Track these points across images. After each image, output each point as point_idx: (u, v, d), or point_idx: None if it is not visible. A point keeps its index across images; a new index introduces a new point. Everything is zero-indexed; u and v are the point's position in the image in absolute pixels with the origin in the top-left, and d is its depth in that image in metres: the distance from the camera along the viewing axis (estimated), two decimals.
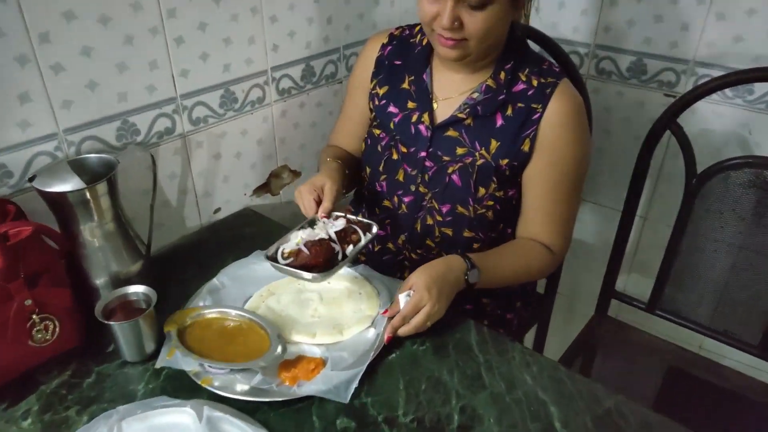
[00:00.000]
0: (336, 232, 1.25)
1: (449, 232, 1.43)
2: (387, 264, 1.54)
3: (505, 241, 1.46)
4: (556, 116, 1.27)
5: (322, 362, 1.20)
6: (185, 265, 1.49)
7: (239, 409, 1.11)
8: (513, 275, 1.38)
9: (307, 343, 1.25)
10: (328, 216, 1.25)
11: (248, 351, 1.20)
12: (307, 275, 1.17)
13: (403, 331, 1.22)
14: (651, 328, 1.86)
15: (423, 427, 1.10)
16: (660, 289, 1.72)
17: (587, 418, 1.11)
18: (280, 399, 1.12)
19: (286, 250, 1.22)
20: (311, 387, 1.14)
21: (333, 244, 1.23)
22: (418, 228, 1.46)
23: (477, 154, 1.33)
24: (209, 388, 1.14)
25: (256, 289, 1.38)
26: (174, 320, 1.24)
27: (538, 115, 1.28)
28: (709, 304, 1.66)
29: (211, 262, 1.46)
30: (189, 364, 1.16)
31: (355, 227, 1.29)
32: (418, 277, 1.23)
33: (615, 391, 1.17)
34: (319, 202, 1.25)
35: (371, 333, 1.27)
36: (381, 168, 1.44)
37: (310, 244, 1.21)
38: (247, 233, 1.64)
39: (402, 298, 1.23)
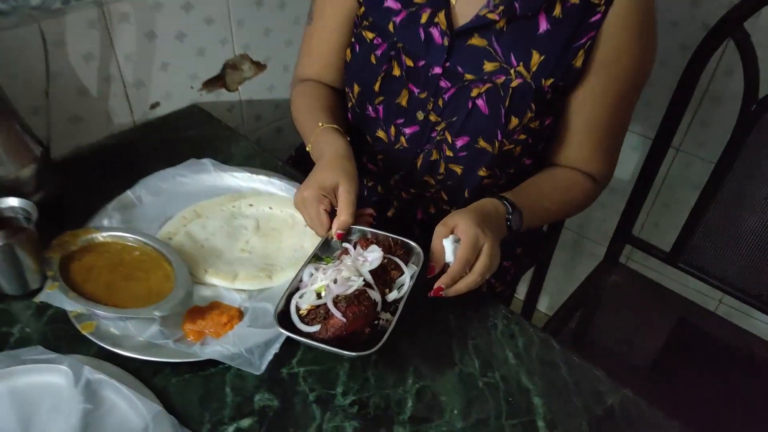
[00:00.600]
0: (372, 271, 0.88)
1: (458, 169, 1.09)
2: (372, 207, 1.22)
3: (525, 174, 1.13)
4: (622, 17, 0.94)
5: (239, 314, 0.91)
6: (105, 173, 1.18)
7: (135, 371, 0.84)
8: (554, 214, 1.13)
9: (225, 286, 0.96)
10: (346, 234, 0.94)
11: (147, 292, 0.91)
12: (350, 354, 0.81)
13: (458, 288, 0.89)
14: (668, 282, 1.56)
15: (364, 415, 0.82)
16: (687, 237, 1.41)
17: (582, 420, 0.83)
18: (176, 360, 0.84)
19: (303, 306, 0.85)
20: (216, 348, 0.85)
21: (370, 292, 0.86)
22: (419, 164, 1.12)
23: (512, 71, 0.98)
24: (90, 338, 0.86)
25: (181, 209, 1.08)
26: (60, 244, 0.94)
27: (599, 15, 0.94)
28: (744, 263, 1.35)
29: (138, 171, 1.14)
30: (70, 302, 0.88)
31: (393, 258, 0.93)
32: (462, 218, 0.90)
33: (619, 384, 0.88)
34: (332, 213, 0.93)
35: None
36: (376, 87, 1.07)
37: (343, 302, 0.82)
38: (190, 136, 1.32)
39: (448, 244, 0.90)
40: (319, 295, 0.86)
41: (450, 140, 1.06)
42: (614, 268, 1.58)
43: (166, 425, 0.78)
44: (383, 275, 0.91)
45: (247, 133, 1.57)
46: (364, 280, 0.88)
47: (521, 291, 1.80)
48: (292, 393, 0.84)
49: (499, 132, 1.02)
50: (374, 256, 0.91)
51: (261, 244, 1.04)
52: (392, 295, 0.90)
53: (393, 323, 0.85)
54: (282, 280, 0.97)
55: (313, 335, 0.83)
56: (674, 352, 1.43)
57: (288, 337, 0.86)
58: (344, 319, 0.82)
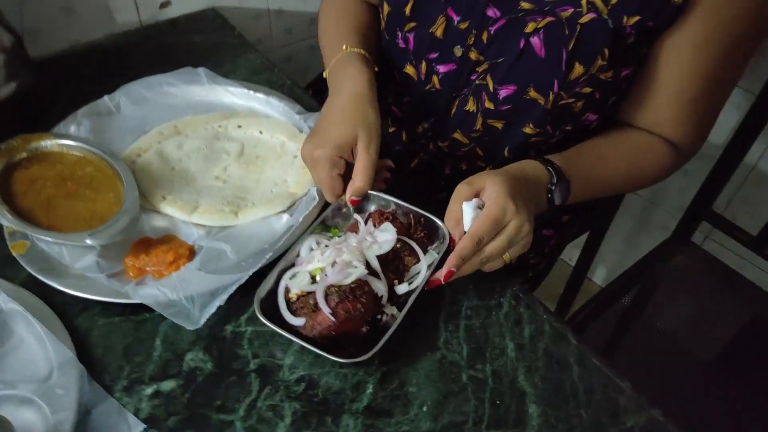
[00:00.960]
0: (380, 255, 0.72)
1: (498, 125, 0.87)
2: (393, 158, 1.02)
3: (586, 133, 0.89)
4: None
5: (189, 253, 0.76)
6: (94, 76, 1.05)
7: (60, 305, 0.71)
8: (616, 186, 0.91)
9: (182, 219, 0.80)
10: (361, 201, 0.77)
11: (90, 215, 0.78)
12: (334, 359, 0.66)
13: (470, 267, 0.71)
14: (748, 271, 1.30)
15: (311, 397, 0.66)
16: None
17: None
18: (104, 299, 0.71)
19: (294, 289, 0.70)
20: (151, 291, 0.71)
21: (374, 283, 0.70)
22: (452, 113, 0.89)
23: (583, 2, 0.76)
24: (19, 260, 0.74)
25: (162, 122, 0.93)
26: (9, 149, 0.82)
27: None
28: None
29: (131, 78, 1.00)
30: (3, 216, 0.75)
31: (409, 242, 0.75)
32: (493, 181, 0.72)
33: (648, 400, 0.68)
34: (346, 176, 0.77)
35: (281, 223, 0.81)
36: (407, 9, 0.85)
37: (335, 296, 0.67)
38: (198, 43, 1.15)
39: (469, 209, 0.71)
40: (314, 279, 0.70)
41: (491, 88, 0.83)
42: (683, 246, 1.32)
43: (73, 376, 0.65)
44: (395, 261, 0.73)
45: (274, 48, 1.39)
46: (369, 267, 0.70)
47: (574, 255, 1.57)
48: (231, 356, 0.69)
49: (556, 82, 0.79)
50: (385, 238, 0.73)
51: (240, 172, 0.87)
52: (402, 288, 0.72)
53: (396, 323, 0.68)
54: (249, 218, 0.81)
55: (298, 329, 0.67)
56: (741, 357, 1.19)
57: (240, 289, 0.70)
58: (333, 319, 0.65)
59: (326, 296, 0.67)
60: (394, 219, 0.75)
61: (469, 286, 0.76)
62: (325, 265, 0.70)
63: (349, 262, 0.70)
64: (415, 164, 0.99)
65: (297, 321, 0.68)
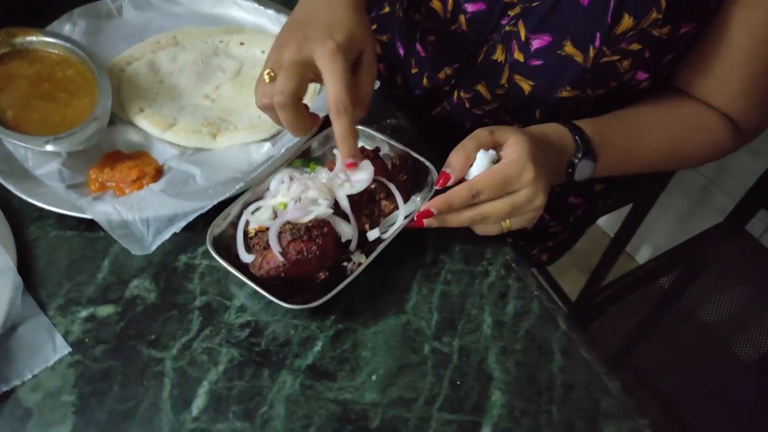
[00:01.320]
0: (352, 196, 0.64)
1: (526, 85, 0.75)
2: (414, 101, 0.91)
3: (635, 96, 0.76)
4: None
5: (156, 173, 0.70)
6: None
7: (15, 211, 0.68)
8: (658, 163, 0.79)
9: (156, 135, 0.74)
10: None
11: (61, 119, 0.72)
12: (280, 303, 0.58)
13: (457, 219, 0.62)
14: None
15: (252, 345, 0.60)
16: None
17: None
18: (56, 210, 0.66)
19: (253, 224, 0.63)
20: (104, 208, 0.65)
21: (340, 224, 0.63)
22: (479, 61, 0.77)
23: None
24: None
25: (161, 31, 0.85)
26: None
27: None
28: None
29: None
30: None
31: (388, 185, 0.66)
32: (518, 138, 0.63)
33: (638, 408, 0.58)
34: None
35: (261, 152, 0.73)
36: None
37: (288, 234, 0.59)
38: None
39: (484, 159, 0.61)
40: (276, 214, 0.63)
41: (523, 36, 0.71)
42: (735, 234, 1.17)
43: (6, 288, 0.60)
44: (370, 204, 0.65)
45: None
46: (336, 207, 0.63)
47: (615, 226, 1.44)
48: (177, 289, 0.63)
49: (598, 35, 0.66)
50: (360, 177, 0.64)
51: (231, 94, 0.80)
52: (372, 234, 0.64)
53: (356, 272, 0.61)
54: (227, 143, 0.73)
55: (248, 266, 0.61)
56: None
57: (205, 219, 0.64)
58: (282, 259, 0.58)
59: (280, 234, 0.59)
60: (375, 157, 0.66)
61: (455, 247, 0.67)
62: (289, 200, 0.62)
63: (314, 199, 0.62)
64: (436, 113, 0.89)
65: (247, 257, 0.61)
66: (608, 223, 1.74)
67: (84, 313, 0.61)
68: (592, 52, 0.68)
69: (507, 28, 0.73)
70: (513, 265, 0.66)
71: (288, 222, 0.60)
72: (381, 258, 0.62)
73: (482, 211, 0.61)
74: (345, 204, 0.63)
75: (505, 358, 0.60)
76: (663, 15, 0.63)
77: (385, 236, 0.64)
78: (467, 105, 0.82)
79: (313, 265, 0.60)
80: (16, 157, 0.70)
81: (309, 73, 0.60)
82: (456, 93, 0.83)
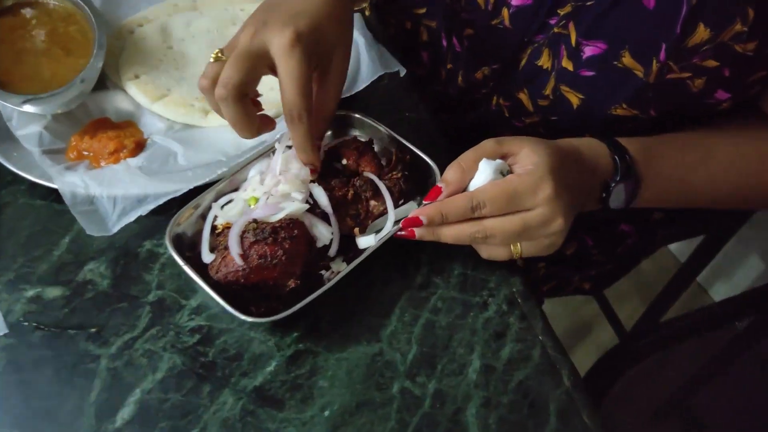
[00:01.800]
0: (335, 193, 0.56)
1: (576, 98, 0.63)
2: (451, 100, 0.80)
3: (700, 119, 0.63)
4: None
5: (136, 147, 0.64)
6: None
7: None
8: (719, 200, 0.66)
9: (145, 104, 0.67)
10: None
11: (50, 77, 0.67)
12: (236, 314, 0.50)
13: (453, 234, 0.52)
14: None
15: (197, 354, 0.52)
16: None
17: None
18: (20, 173, 0.60)
19: (221, 219, 0.56)
20: (71, 179, 0.59)
21: (317, 226, 0.54)
22: (522, 65, 0.66)
23: None
24: None
25: None
26: None
27: None
28: None
29: None
30: None
31: (376, 181, 0.57)
32: (534, 149, 0.53)
33: None
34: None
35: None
36: None
37: (251, 235, 0.51)
38: None
39: (488, 168, 0.52)
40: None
41: (573, 40, 0.60)
42: None
43: None
44: (356, 204, 0.57)
45: None
46: (312, 203, 0.55)
47: (685, 252, 1.28)
48: (133, 279, 0.56)
49: (664, 47, 0.54)
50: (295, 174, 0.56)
51: None
52: (365, 241, 0.55)
53: (326, 286, 0.52)
54: (219, 122, 0.66)
55: (208, 267, 0.53)
56: None
57: (181, 204, 0.57)
58: (241, 263, 0.50)
59: (243, 234, 0.51)
60: (364, 150, 0.57)
61: (453, 269, 0.57)
62: (261, 195, 0.54)
63: (285, 194, 0.53)
64: (472, 118, 0.78)
65: (209, 257, 0.53)
66: (680, 246, 1.56)
67: (30, 293, 0.55)
68: (655, 66, 0.56)
69: (555, 29, 0.61)
70: (519, 300, 0.55)
71: (254, 221, 0.52)
72: (363, 270, 0.53)
73: (485, 227, 0.51)
74: (324, 201, 0.54)
75: (487, 412, 0.50)
76: (749, 27, 0.51)
77: (368, 243, 0.54)
78: (506, 114, 0.71)
79: (278, 272, 0.51)
80: (3, 113, 0.66)
81: (261, 66, 0.51)
82: (495, 99, 0.72)
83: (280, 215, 0.52)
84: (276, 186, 0.54)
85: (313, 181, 0.56)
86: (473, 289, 0.56)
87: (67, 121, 0.65)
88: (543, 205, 0.51)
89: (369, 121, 0.61)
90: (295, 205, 0.53)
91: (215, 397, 0.50)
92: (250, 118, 0.52)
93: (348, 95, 0.64)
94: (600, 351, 1.58)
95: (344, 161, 0.57)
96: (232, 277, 0.51)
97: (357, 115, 0.61)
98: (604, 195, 0.56)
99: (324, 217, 0.55)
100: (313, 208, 0.55)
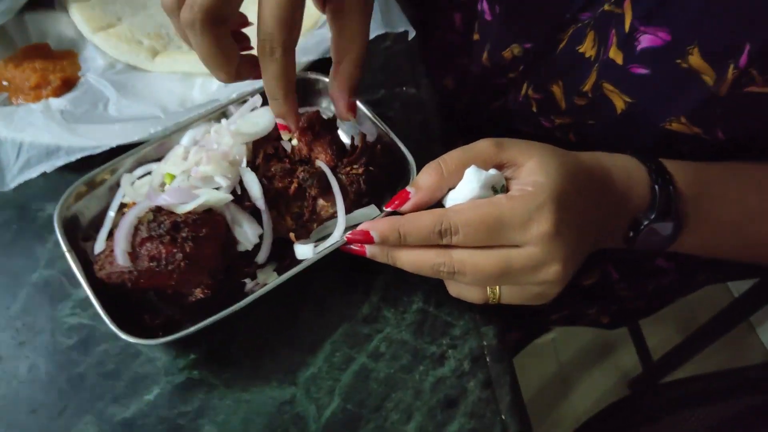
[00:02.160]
0: (273, 184, 0.43)
1: (621, 101, 0.48)
2: (475, 80, 0.65)
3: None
4: None
5: (63, 84, 0.52)
6: None
7: None
8: None
9: (87, 35, 0.55)
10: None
11: None
12: (112, 326, 0.38)
13: (411, 261, 0.39)
14: None
15: (68, 363, 0.42)
16: None
17: None
18: None
19: (129, 195, 0.44)
20: None
21: (245, 225, 0.42)
22: (559, 49, 0.51)
23: None
24: None
25: None
26: None
27: None
28: None
29: None
30: None
31: (327, 174, 0.44)
32: (542, 163, 0.38)
33: None
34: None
35: (209, 92, 0.53)
36: None
37: (144, 229, 0.38)
38: None
39: (474, 179, 0.39)
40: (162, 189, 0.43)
41: (628, 24, 0.44)
42: None
43: None
44: (299, 200, 0.44)
45: None
46: (240, 194, 0.42)
47: (738, 285, 1.11)
48: (22, 250, 0.46)
49: (747, 48, 0.40)
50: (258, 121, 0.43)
51: None
52: (303, 250, 0.42)
53: (242, 302, 0.39)
54: (166, 68, 0.54)
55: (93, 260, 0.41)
56: None
57: (102, 162, 0.45)
58: (127, 263, 0.38)
59: (138, 226, 0.39)
60: (322, 131, 0.44)
61: (411, 303, 0.44)
62: (179, 172, 0.42)
63: (206, 177, 0.41)
64: (494, 107, 0.63)
65: (99, 246, 0.42)
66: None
67: None
68: (731, 73, 0.40)
69: (606, 6, 0.46)
70: (487, 358, 0.42)
71: (157, 208, 0.40)
72: (297, 286, 0.41)
73: (453, 260, 0.38)
74: (256, 193, 0.42)
75: None
76: None
77: (314, 251, 0.42)
78: (534, 109, 0.56)
79: (176, 279, 0.39)
80: None
81: None
82: (524, 88, 0.57)
83: (191, 205, 0.40)
84: (198, 165, 0.41)
85: (258, 167, 0.43)
86: (431, 334, 0.43)
87: None
88: (534, 243, 0.37)
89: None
90: (212, 194, 0.40)
91: (72, 424, 0.39)
92: (226, 52, 0.38)
93: (329, 56, 0.51)
94: (619, 375, 1.44)
95: (293, 141, 0.44)
96: (116, 279, 0.39)
97: (315, 76, 0.48)
98: (631, 234, 0.42)
99: (255, 213, 0.42)
100: (241, 199, 0.42)
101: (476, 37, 0.62)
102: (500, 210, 0.37)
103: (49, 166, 0.47)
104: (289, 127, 0.42)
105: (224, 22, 0.37)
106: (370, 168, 0.44)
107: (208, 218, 0.40)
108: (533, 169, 0.39)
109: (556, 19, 0.50)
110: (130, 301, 0.41)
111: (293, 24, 0.37)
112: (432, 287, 0.44)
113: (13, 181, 0.47)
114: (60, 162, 0.47)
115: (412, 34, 0.56)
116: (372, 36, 0.52)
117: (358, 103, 0.46)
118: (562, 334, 1.48)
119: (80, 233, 0.44)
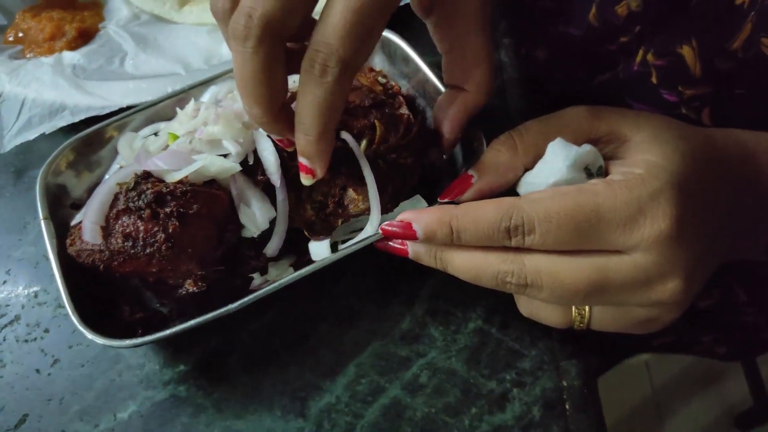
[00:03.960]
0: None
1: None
2: (575, 46, 0.52)
3: None
4: None
5: (79, 36, 0.45)
6: None
7: None
8: None
9: None
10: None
11: None
12: (79, 325, 0.29)
13: (468, 267, 0.28)
14: None
15: (31, 362, 0.33)
16: None
17: None
18: None
19: (120, 159, 0.35)
20: None
21: (254, 205, 0.32)
22: (692, 19, 0.38)
23: None
24: None
25: None
26: None
27: None
28: None
29: None
30: None
31: (356, 154, 0.32)
32: (659, 137, 0.27)
33: None
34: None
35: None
36: None
37: (122, 201, 0.29)
38: None
39: (560, 155, 0.28)
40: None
41: None
42: None
43: None
44: (327, 187, 0.33)
45: None
46: (257, 166, 0.32)
47: None
48: (7, 220, 0.38)
49: None
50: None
51: None
52: (318, 248, 0.32)
53: (243, 301, 0.30)
54: (193, 19, 0.45)
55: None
56: None
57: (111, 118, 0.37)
58: (97, 239, 0.30)
59: (117, 196, 0.30)
60: (382, 102, 0.33)
61: (468, 320, 0.32)
62: (184, 133, 0.33)
63: (213, 141, 0.31)
64: (601, 81, 0.50)
65: (78, 215, 0.33)
66: None
67: None
68: None
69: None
70: (567, 404, 0.30)
71: (145, 174, 0.31)
72: (318, 287, 0.31)
73: (526, 268, 0.27)
74: (272, 164, 0.32)
75: None
76: None
77: (332, 252, 0.31)
78: (654, 80, 0.43)
79: (157, 265, 0.30)
80: None
81: None
82: (641, 53, 0.44)
83: (183, 173, 0.30)
84: (205, 128, 0.32)
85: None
86: (491, 365, 0.31)
87: None
88: (645, 248, 0.25)
89: (404, 46, 0.36)
90: (214, 161, 0.31)
91: None
92: (275, 83, 0.26)
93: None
94: (725, 407, 1.24)
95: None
96: (87, 259, 0.30)
97: (390, 36, 0.37)
98: None
99: (268, 189, 0.32)
100: (253, 172, 0.32)
101: None
102: (596, 201, 0.26)
103: (49, 127, 0.39)
104: (314, 171, 0.30)
105: (283, 38, 0.26)
106: (423, 149, 0.33)
107: (204, 192, 0.30)
108: (644, 146, 0.27)
109: None
110: (111, 286, 0.32)
111: (366, 38, 0.25)
112: (497, 301, 0.32)
113: (10, 143, 0.40)
114: (62, 122, 0.39)
115: None
116: None
117: (419, 61, 0.35)
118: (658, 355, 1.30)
119: (70, 200, 0.35)
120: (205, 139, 0.32)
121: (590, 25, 0.47)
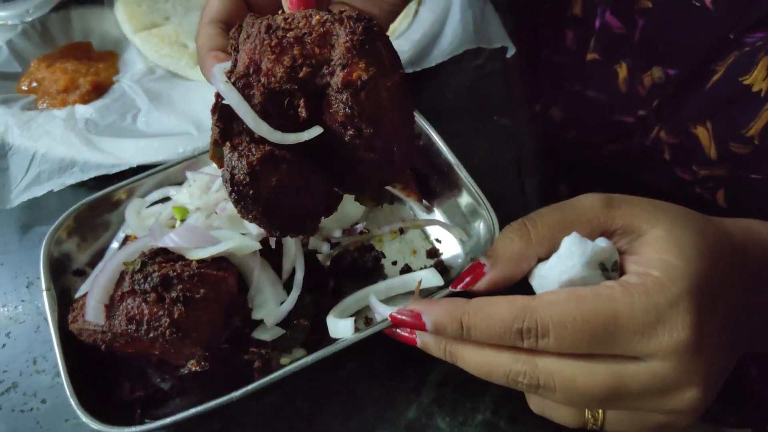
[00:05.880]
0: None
1: None
2: (569, 105, 0.52)
3: None
4: None
5: (93, 89, 0.45)
6: None
7: None
8: None
9: (127, 34, 0.47)
10: None
11: None
12: (77, 407, 0.28)
13: (479, 364, 0.27)
14: None
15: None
16: None
17: None
18: None
19: (128, 229, 0.34)
20: None
21: (266, 291, 0.32)
22: (713, 80, 0.38)
23: None
24: None
25: None
26: None
27: None
28: None
29: None
30: None
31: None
32: (674, 233, 0.26)
33: None
34: None
35: None
36: None
37: (128, 282, 0.28)
38: None
39: (576, 252, 0.27)
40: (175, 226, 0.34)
41: None
42: None
43: None
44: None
45: None
46: (278, 247, 0.32)
47: None
48: (9, 278, 0.37)
49: None
50: None
51: None
52: (341, 326, 0.31)
53: (257, 383, 0.29)
54: None
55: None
56: None
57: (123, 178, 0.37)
58: (100, 320, 0.29)
59: (123, 276, 0.29)
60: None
61: (475, 411, 0.31)
62: (194, 208, 0.32)
63: (234, 218, 0.30)
64: (612, 151, 0.49)
65: (83, 286, 0.32)
66: None
67: None
68: None
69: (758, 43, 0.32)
70: None
71: (158, 251, 0.30)
72: (327, 368, 0.30)
73: (538, 370, 0.26)
74: (291, 247, 0.30)
75: None
76: None
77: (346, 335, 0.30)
78: (667, 156, 0.42)
79: (159, 349, 0.29)
80: None
81: None
82: (656, 129, 0.43)
83: (208, 251, 0.29)
84: (226, 201, 0.31)
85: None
86: None
87: (39, 40, 0.47)
88: (663, 356, 0.25)
89: (419, 119, 0.35)
90: (236, 240, 0.29)
91: None
92: None
93: (416, 69, 0.39)
94: None
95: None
96: (88, 339, 0.29)
97: None
98: None
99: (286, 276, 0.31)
100: (271, 249, 0.31)
101: (591, 56, 0.48)
102: (613, 307, 0.25)
103: (57, 185, 0.38)
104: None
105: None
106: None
107: (211, 275, 0.29)
108: (661, 244, 0.26)
109: (713, 38, 0.36)
110: (112, 360, 0.31)
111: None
112: (506, 392, 0.30)
113: (17, 198, 0.39)
114: (71, 180, 0.39)
115: (511, 51, 0.43)
116: (461, 51, 0.40)
117: (429, 130, 0.34)
118: None
119: (74, 267, 0.34)
120: (227, 215, 0.31)
121: (616, 91, 0.46)
